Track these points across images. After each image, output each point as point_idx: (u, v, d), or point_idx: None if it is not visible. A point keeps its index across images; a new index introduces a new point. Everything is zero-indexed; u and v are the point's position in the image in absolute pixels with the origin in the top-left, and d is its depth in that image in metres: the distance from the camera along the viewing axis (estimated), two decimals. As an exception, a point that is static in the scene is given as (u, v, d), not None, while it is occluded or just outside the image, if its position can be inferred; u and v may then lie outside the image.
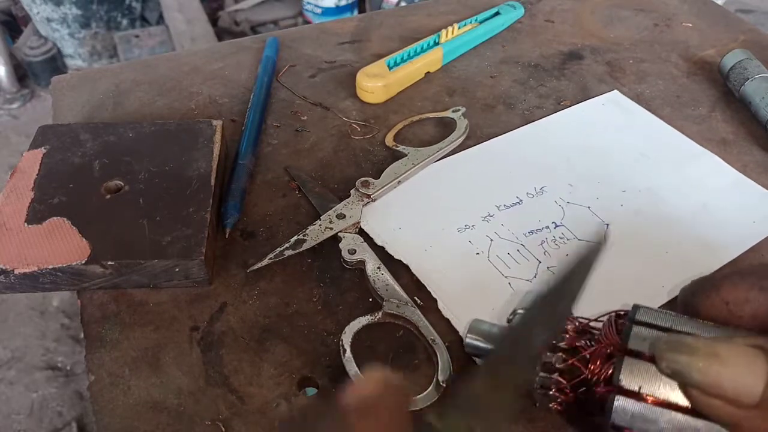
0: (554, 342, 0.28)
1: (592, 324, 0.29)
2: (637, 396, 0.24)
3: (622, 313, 0.28)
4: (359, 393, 0.20)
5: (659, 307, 0.31)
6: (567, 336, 0.28)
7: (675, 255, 0.41)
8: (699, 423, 0.23)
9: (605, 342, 0.26)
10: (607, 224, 0.43)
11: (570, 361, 0.27)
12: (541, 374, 0.27)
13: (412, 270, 0.40)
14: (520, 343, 0.23)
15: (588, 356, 0.27)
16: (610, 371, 0.25)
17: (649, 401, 0.24)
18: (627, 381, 0.24)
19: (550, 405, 0.28)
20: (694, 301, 0.25)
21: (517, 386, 0.23)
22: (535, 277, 0.40)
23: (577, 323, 0.29)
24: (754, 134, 0.52)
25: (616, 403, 0.24)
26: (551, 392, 0.27)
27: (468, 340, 0.33)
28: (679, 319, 0.25)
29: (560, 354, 0.27)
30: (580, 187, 0.46)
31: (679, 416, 0.23)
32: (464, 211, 0.44)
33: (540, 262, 0.41)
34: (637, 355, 0.24)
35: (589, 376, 0.26)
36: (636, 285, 0.39)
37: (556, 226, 0.43)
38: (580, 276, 0.25)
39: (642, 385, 0.24)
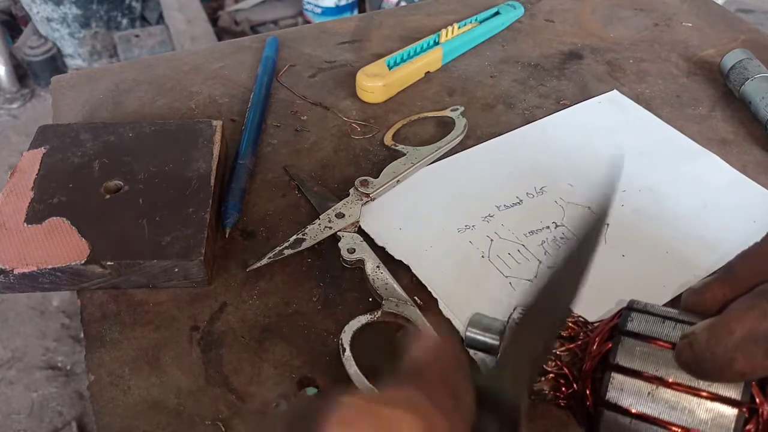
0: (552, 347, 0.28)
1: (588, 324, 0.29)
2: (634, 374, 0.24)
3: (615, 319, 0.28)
4: (416, 353, 0.22)
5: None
6: (564, 336, 0.28)
7: (675, 254, 0.41)
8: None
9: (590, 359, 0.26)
10: (608, 224, 0.43)
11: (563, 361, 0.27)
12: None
13: (413, 270, 0.40)
14: (549, 308, 0.25)
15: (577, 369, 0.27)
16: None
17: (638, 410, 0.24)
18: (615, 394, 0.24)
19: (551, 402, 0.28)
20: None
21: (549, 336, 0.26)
22: (535, 277, 0.40)
23: (575, 323, 0.29)
24: (754, 134, 0.52)
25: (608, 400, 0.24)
26: (547, 396, 0.27)
27: (469, 334, 0.33)
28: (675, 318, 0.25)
29: (555, 363, 0.27)
30: (580, 186, 0.46)
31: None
32: (464, 211, 0.44)
33: (540, 262, 0.41)
34: (626, 371, 0.24)
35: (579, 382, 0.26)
36: (636, 284, 0.39)
37: (557, 226, 0.43)
38: (586, 251, 0.25)
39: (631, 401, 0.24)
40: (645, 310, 0.26)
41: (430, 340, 0.23)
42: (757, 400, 0.22)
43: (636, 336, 0.25)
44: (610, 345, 0.25)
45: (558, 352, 0.27)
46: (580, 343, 0.27)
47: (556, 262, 0.26)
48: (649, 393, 0.24)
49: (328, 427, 0.17)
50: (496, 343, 0.30)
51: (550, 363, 0.27)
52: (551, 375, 0.27)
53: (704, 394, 0.23)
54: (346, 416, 0.18)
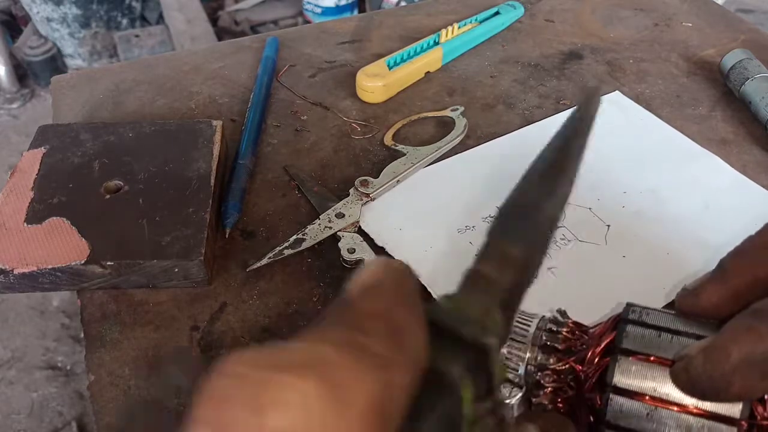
0: (548, 341, 0.27)
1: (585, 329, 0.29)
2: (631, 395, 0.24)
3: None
4: (360, 278, 0.16)
5: (664, 307, 0.30)
6: (561, 337, 0.28)
7: (676, 256, 0.41)
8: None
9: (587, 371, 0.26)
10: (608, 225, 0.43)
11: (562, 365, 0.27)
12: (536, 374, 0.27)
13: (413, 271, 0.39)
14: (526, 215, 0.20)
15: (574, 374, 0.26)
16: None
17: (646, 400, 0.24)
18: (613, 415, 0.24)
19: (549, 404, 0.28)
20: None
21: (527, 258, 0.19)
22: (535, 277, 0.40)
23: (572, 326, 0.28)
24: (754, 134, 0.52)
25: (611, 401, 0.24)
26: (544, 393, 0.27)
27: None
28: (673, 322, 0.25)
29: (550, 368, 0.27)
30: (580, 188, 0.46)
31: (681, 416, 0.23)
32: (465, 212, 0.44)
33: (540, 262, 0.41)
34: (624, 392, 0.24)
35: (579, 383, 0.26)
36: (637, 286, 0.39)
37: (557, 227, 0.43)
38: (582, 133, 0.22)
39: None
40: (641, 321, 0.25)
41: (371, 265, 0.17)
42: (758, 417, 0.23)
43: (632, 353, 0.24)
44: (608, 360, 0.25)
45: (555, 367, 0.27)
46: (575, 359, 0.27)
47: (540, 154, 0.21)
48: (648, 414, 0.24)
49: (195, 405, 0.13)
50: (494, 341, 0.30)
51: (547, 378, 0.27)
52: (549, 389, 0.27)
53: (703, 412, 0.23)
54: (215, 389, 0.13)
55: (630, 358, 0.24)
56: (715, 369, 0.21)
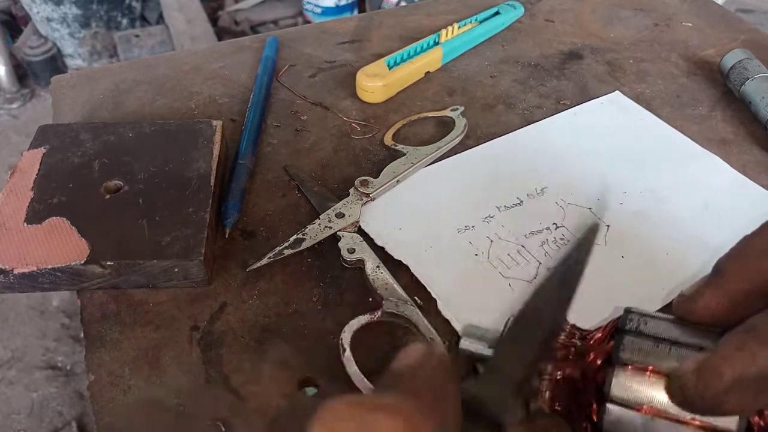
0: (548, 352, 0.28)
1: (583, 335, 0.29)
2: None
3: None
4: (403, 361, 0.21)
5: (657, 310, 0.30)
6: (560, 344, 0.28)
7: (675, 256, 0.41)
8: None
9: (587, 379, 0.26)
10: (608, 225, 0.43)
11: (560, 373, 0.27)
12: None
13: (412, 270, 0.40)
14: (538, 323, 0.25)
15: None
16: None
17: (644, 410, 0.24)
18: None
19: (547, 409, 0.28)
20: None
21: (538, 359, 0.25)
22: (535, 278, 0.40)
23: (570, 331, 0.28)
24: (754, 134, 0.52)
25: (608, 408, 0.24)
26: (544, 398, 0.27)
27: (462, 345, 0.33)
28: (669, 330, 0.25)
29: (549, 373, 0.27)
30: (581, 188, 0.46)
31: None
32: (464, 212, 0.44)
33: (540, 263, 0.41)
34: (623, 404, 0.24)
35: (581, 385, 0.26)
36: (636, 286, 0.39)
37: (557, 227, 0.43)
38: (576, 273, 0.25)
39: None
40: (639, 331, 0.25)
41: (418, 347, 0.23)
42: (755, 428, 0.23)
43: (629, 365, 0.24)
44: (605, 369, 0.25)
45: (553, 375, 0.27)
46: (573, 368, 0.27)
47: (547, 273, 0.26)
48: (644, 425, 0.24)
49: (311, 429, 0.18)
50: (490, 353, 0.30)
51: (544, 385, 0.27)
52: (548, 395, 0.27)
53: (699, 424, 0.23)
54: (327, 419, 0.18)
55: (627, 369, 0.24)
56: (708, 388, 0.22)
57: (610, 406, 0.24)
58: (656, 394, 0.24)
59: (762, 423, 0.23)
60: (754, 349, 0.21)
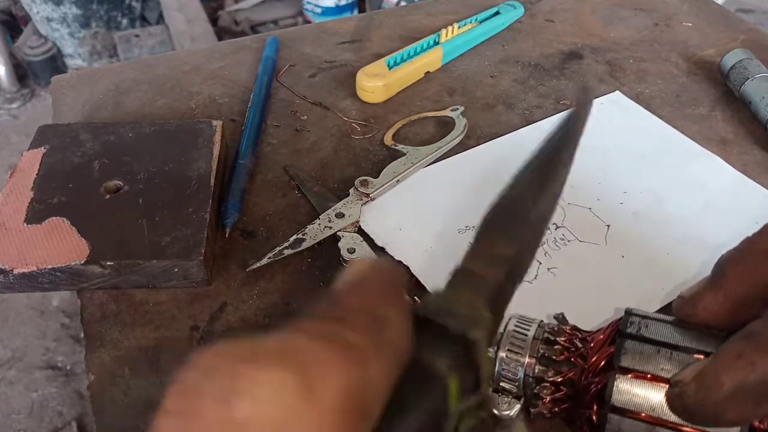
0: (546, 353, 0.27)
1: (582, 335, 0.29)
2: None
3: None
4: (346, 275, 0.17)
5: (657, 311, 0.30)
6: (558, 347, 0.27)
7: (676, 256, 0.41)
8: None
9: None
10: (608, 225, 0.43)
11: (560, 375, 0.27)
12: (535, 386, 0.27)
13: (413, 271, 0.40)
14: (516, 213, 0.20)
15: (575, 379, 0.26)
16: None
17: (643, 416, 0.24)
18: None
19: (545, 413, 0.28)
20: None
21: (516, 256, 0.20)
22: (535, 278, 0.40)
23: (570, 332, 0.28)
24: (754, 134, 0.52)
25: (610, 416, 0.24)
26: (543, 402, 0.27)
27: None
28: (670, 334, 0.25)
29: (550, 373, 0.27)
30: (580, 188, 0.46)
31: None
32: (465, 212, 0.44)
33: (540, 263, 0.41)
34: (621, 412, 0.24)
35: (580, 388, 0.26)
36: (636, 286, 0.39)
37: (557, 227, 0.43)
38: (572, 136, 0.22)
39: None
40: (639, 335, 0.25)
41: (358, 263, 0.17)
42: (757, 429, 0.23)
43: (630, 371, 0.24)
44: (606, 374, 0.25)
45: (553, 380, 0.27)
46: (573, 373, 0.26)
47: (531, 155, 0.21)
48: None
49: (166, 397, 0.13)
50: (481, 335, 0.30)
51: (545, 390, 0.27)
52: (548, 399, 0.27)
53: (701, 431, 0.23)
54: (187, 380, 0.13)
55: (628, 375, 0.24)
56: (708, 398, 0.21)
57: (611, 414, 0.24)
58: (657, 401, 0.23)
59: (764, 426, 0.23)
60: (754, 357, 0.21)
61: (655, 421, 0.23)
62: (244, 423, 0.12)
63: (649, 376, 0.24)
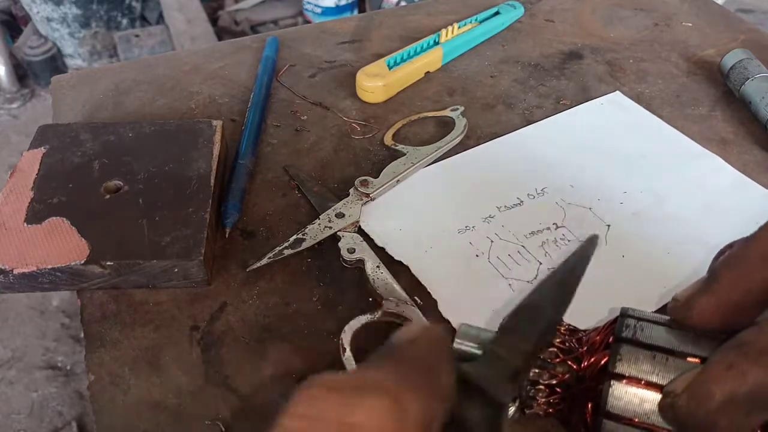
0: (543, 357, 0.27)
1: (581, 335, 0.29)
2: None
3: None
4: (401, 335, 0.21)
5: (657, 310, 0.30)
6: (556, 346, 0.28)
7: (676, 256, 0.41)
8: None
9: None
10: (608, 225, 0.43)
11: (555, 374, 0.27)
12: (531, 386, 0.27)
13: (413, 271, 0.40)
14: (536, 318, 0.25)
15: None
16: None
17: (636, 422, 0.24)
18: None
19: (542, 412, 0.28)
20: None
21: (534, 350, 0.24)
22: (535, 278, 0.40)
23: (567, 331, 0.28)
24: (754, 134, 0.52)
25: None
26: (538, 403, 0.27)
27: (456, 345, 0.32)
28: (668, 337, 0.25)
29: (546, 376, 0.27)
30: (581, 188, 0.46)
31: None
32: (465, 212, 0.44)
33: (540, 263, 0.41)
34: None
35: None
36: (637, 286, 0.39)
37: (557, 227, 0.43)
38: (575, 275, 0.25)
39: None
40: (635, 339, 0.25)
41: (414, 326, 0.22)
42: None
43: (625, 378, 0.24)
44: (600, 374, 0.25)
45: (548, 383, 0.27)
46: (567, 377, 0.27)
47: (548, 274, 0.26)
48: None
49: (291, 405, 0.17)
50: (480, 353, 0.30)
51: (540, 393, 0.27)
52: (543, 401, 0.27)
53: None
54: (303, 401, 0.17)
55: (623, 381, 0.24)
56: (699, 409, 0.21)
57: (606, 419, 0.24)
58: (652, 408, 0.23)
59: None
60: (744, 367, 0.21)
61: (650, 428, 0.23)
62: (359, 426, 0.16)
63: (644, 382, 0.24)
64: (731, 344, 0.22)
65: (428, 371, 0.20)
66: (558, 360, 0.27)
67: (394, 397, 0.17)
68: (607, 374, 0.25)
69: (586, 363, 0.26)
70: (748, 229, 0.25)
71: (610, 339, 0.26)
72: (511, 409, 0.28)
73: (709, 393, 0.21)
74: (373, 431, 0.17)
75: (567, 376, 0.26)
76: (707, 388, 0.21)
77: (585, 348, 0.27)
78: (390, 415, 0.17)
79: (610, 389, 0.24)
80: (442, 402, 0.19)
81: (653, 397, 0.24)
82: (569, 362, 0.26)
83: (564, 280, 0.26)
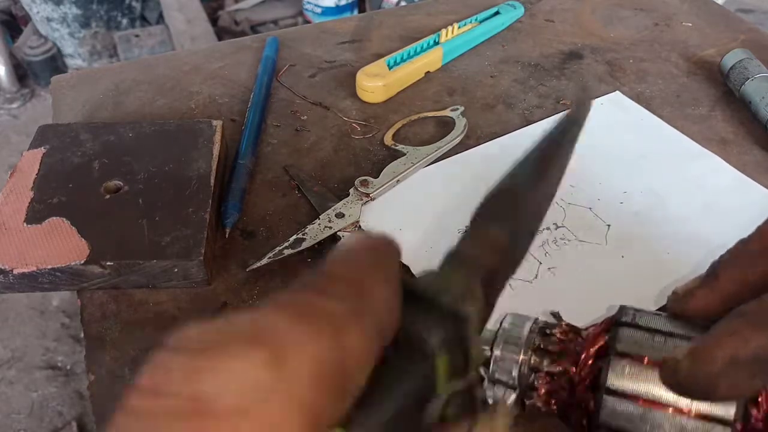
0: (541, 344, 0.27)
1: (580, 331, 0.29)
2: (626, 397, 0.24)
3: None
4: (337, 247, 0.17)
5: (657, 310, 0.30)
6: (555, 338, 0.28)
7: (675, 256, 0.41)
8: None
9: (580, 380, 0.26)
10: (608, 225, 0.43)
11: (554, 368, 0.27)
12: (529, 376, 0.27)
13: (413, 271, 0.40)
14: (512, 202, 0.21)
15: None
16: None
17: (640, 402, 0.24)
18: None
19: (542, 407, 0.28)
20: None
21: (510, 244, 0.20)
22: (535, 278, 0.40)
23: (565, 328, 0.28)
24: (754, 134, 0.52)
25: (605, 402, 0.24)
26: (537, 396, 0.27)
27: None
28: (667, 325, 0.25)
29: (545, 371, 0.27)
30: (581, 188, 0.46)
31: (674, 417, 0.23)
32: (465, 212, 0.43)
33: (540, 263, 0.41)
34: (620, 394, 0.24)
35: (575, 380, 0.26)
36: (637, 286, 0.39)
37: (557, 227, 0.43)
38: (563, 145, 0.22)
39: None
40: (634, 323, 0.25)
41: (350, 238, 0.17)
42: (752, 419, 0.23)
43: (626, 356, 0.24)
44: (601, 362, 0.25)
45: (548, 369, 0.27)
46: (568, 362, 0.27)
47: (530, 148, 0.21)
48: (641, 415, 0.24)
49: (138, 376, 0.13)
50: (486, 353, 0.30)
51: (540, 380, 0.27)
52: (543, 391, 0.27)
53: (697, 413, 0.23)
54: (156, 360, 0.13)
55: (623, 360, 0.24)
56: (702, 371, 0.22)
57: (606, 396, 0.24)
58: (653, 384, 0.24)
59: (760, 414, 0.23)
60: (746, 333, 0.21)
61: (650, 403, 0.24)
62: (212, 397, 0.12)
63: (643, 359, 0.24)
64: (733, 314, 0.22)
65: (355, 291, 0.15)
66: (558, 348, 0.27)
67: (268, 342, 0.13)
68: (608, 352, 0.25)
69: (586, 350, 0.26)
70: (748, 229, 0.25)
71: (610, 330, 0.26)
72: (511, 399, 0.28)
73: (712, 356, 0.21)
74: (229, 406, 0.12)
75: (567, 362, 0.26)
76: (710, 352, 0.22)
77: (588, 335, 0.27)
78: (258, 368, 0.12)
79: (610, 366, 0.24)
80: (369, 332, 0.15)
81: (653, 373, 0.24)
82: (569, 352, 0.27)
83: (547, 152, 0.21)
